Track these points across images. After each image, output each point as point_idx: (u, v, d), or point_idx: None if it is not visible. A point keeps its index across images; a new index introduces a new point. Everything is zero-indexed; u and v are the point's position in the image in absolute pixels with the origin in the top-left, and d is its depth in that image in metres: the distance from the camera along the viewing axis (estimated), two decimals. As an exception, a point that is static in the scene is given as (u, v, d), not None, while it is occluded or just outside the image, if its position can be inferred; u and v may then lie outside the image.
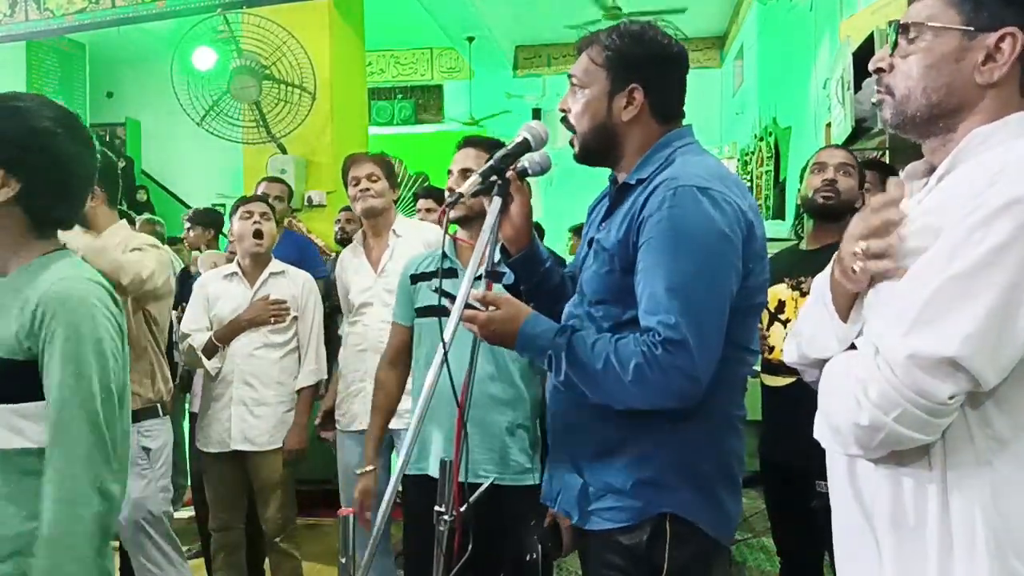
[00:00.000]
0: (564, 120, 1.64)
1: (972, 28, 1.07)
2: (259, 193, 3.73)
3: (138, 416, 2.55)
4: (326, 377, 3.24)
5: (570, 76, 1.63)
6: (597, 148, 1.61)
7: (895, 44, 1.13)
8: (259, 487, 3.05)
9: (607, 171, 1.68)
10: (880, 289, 1.06)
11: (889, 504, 1.07)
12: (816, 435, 1.15)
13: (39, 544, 1.33)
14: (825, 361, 1.14)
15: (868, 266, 1.05)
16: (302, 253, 3.82)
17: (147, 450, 2.59)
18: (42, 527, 1.33)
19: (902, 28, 1.12)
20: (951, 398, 0.96)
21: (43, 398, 1.37)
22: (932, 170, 1.14)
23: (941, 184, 1.07)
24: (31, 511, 1.36)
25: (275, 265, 3.13)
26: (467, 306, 1.50)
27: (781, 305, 2.65)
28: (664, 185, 1.47)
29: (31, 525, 1.35)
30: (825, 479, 1.23)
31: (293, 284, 3.12)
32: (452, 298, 1.55)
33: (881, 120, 1.18)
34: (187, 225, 4.55)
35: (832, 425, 1.07)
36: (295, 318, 3.09)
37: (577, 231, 6.69)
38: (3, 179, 1.38)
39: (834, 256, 1.16)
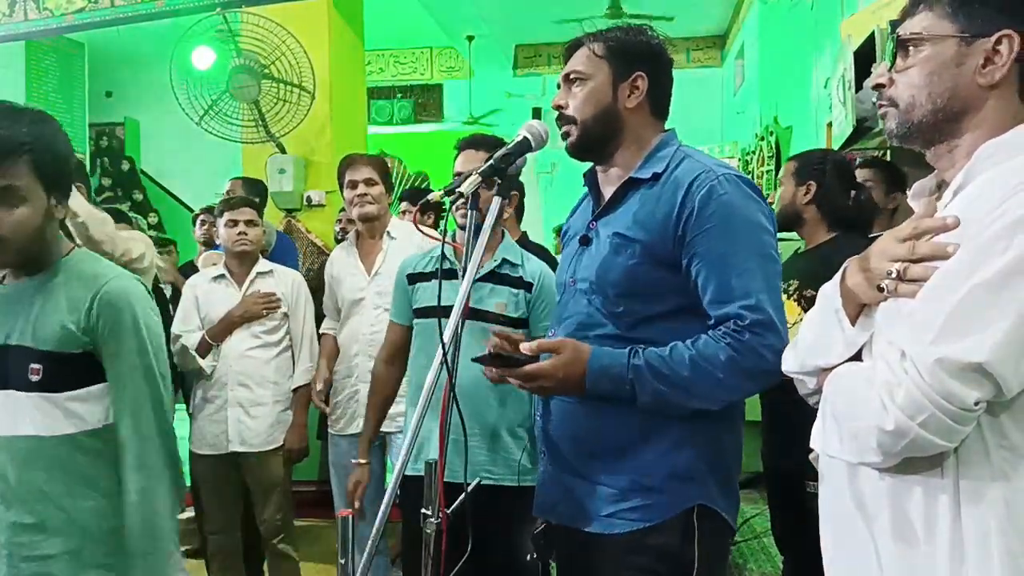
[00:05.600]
0: (559, 117, 1.63)
1: (968, 34, 1.09)
2: (236, 194, 3.72)
3: None
4: None
5: (566, 74, 1.63)
6: (599, 136, 1.60)
7: (893, 59, 1.16)
8: (256, 489, 3.04)
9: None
10: (901, 298, 1.06)
11: (893, 513, 1.06)
12: (814, 443, 1.15)
13: (127, 506, 1.55)
14: (825, 370, 1.14)
15: (902, 288, 1.05)
16: (282, 252, 3.84)
17: None
18: (127, 491, 1.55)
19: (900, 43, 1.14)
20: (976, 404, 0.96)
21: (96, 382, 1.56)
22: (940, 187, 1.15)
23: (956, 200, 1.07)
24: (83, 493, 1.56)
25: (262, 264, 3.13)
26: (518, 362, 1.48)
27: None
28: (704, 175, 1.49)
29: (86, 503, 1.55)
30: (814, 480, 1.22)
31: (282, 282, 3.12)
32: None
33: (886, 132, 1.19)
34: (201, 220, 4.53)
35: (849, 431, 1.06)
36: (285, 315, 3.09)
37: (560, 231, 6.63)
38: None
39: (845, 264, 1.17)
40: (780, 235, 2.86)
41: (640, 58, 1.60)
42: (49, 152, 1.52)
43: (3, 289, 1.60)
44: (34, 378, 1.53)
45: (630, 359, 1.47)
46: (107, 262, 1.67)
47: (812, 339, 1.18)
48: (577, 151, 1.64)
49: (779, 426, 2.61)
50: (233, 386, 2.99)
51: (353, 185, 2.99)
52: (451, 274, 2.19)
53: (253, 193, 3.99)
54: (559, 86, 1.66)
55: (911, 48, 1.13)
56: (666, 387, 1.45)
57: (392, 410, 2.86)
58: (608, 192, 1.63)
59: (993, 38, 1.08)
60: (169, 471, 1.61)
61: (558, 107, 1.63)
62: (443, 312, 1.44)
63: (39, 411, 1.53)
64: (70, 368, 1.54)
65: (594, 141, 1.61)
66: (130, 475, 1.55)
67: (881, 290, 1.08)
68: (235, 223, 3.04)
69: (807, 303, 2.49)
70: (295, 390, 3.10)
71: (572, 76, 1.61)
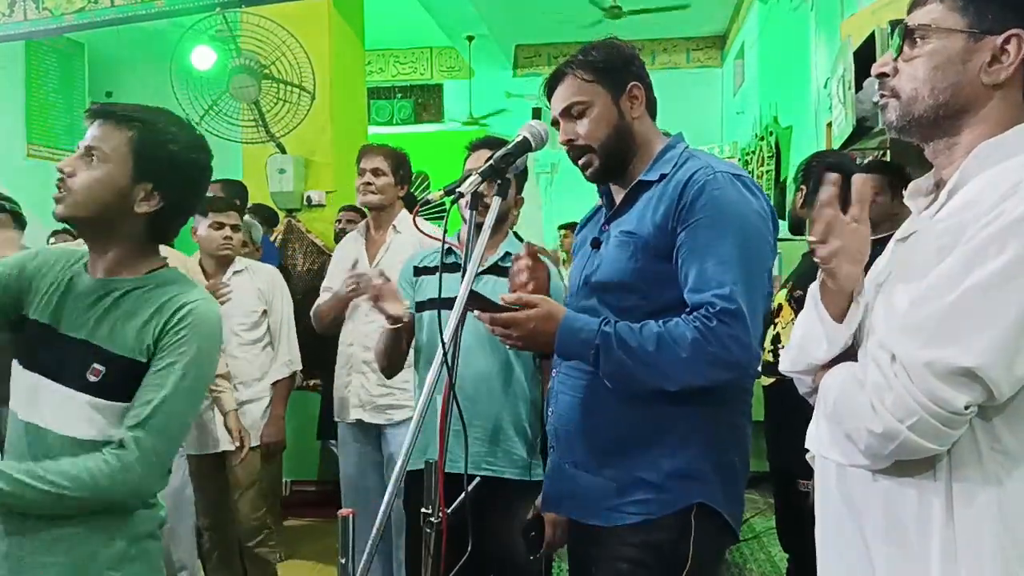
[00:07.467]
0: (572, 150, 1.65)
1: (977, 31, 1.07)
2: (221, 196, 3.70)
3: None
4: (300, 368, 3.22)
5: (565, 109, 1.65)
6: (618, 155, 1.64)
7: (899, 48, 1.14)
8: (233, 485, 2.98)
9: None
10: (893, 298, 1.06)
11: (886, 515, 1.06)
12: (809, 443, 1.15)
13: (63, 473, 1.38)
14: (815, 368, 1.14)
15: (825, 271, 1.08)
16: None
17: None
18: (82, 467, 1.39)
19: (907, 32, 1.12)
20: (966, 408, 0.96)
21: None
22: (937, 186, 1.15)
23: (953, 201, 1.07)
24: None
25: (237, 263, 3.11)
26: (499, 308, 1.48)
27: (778, 309, 2.67)
28: (701, 172, 1.52)
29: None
30: (807, 479, 1.22)
31: (258, 278, 3.09)
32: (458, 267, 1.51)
33: (885, 123, 1.18)
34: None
35: (841, 433, 1.06)
36: (265, 311, 3.07)
37: (566, 227, 6.71)
38: (149, 193, 1.50)
39: None
40: (793, 238, 2.89)
41: (627, 69, 1.65)
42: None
43: (87, 281, 1.52)
44: (92, 379, 1.45)
45: (601, 326, 1.49)
46: (193, 283, 1.57)
47: (801, 337, 1.19)
48: (602, 176, 1.67)
49: (783, 424, 2.61)
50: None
51: (362, 173, 3.01)
52: (456, 267, 2.20)
53: (234, 195, 3.98)
54: (555, 123, 1.68)
55: (918, 39, 1.11)
56: (630, 359, 1.47)
57: (383, 402, 2.88)
58: (620, 197, 1.67)
59: (1002, 37, 1.07)
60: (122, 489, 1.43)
61: (567, 142, 1.65)
62: (443, 304, 1.45)
63: (89, 413, 1.44)
64: (131, 379, 1.45)
65: (616, 161, 1.65)
66: (99, 459, 1.40)
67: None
68: (221, 226, 3.02)
69: (796, 304, 2.50)
70: (274, 384, 3.08)
71: (572, 108, 1.64)
